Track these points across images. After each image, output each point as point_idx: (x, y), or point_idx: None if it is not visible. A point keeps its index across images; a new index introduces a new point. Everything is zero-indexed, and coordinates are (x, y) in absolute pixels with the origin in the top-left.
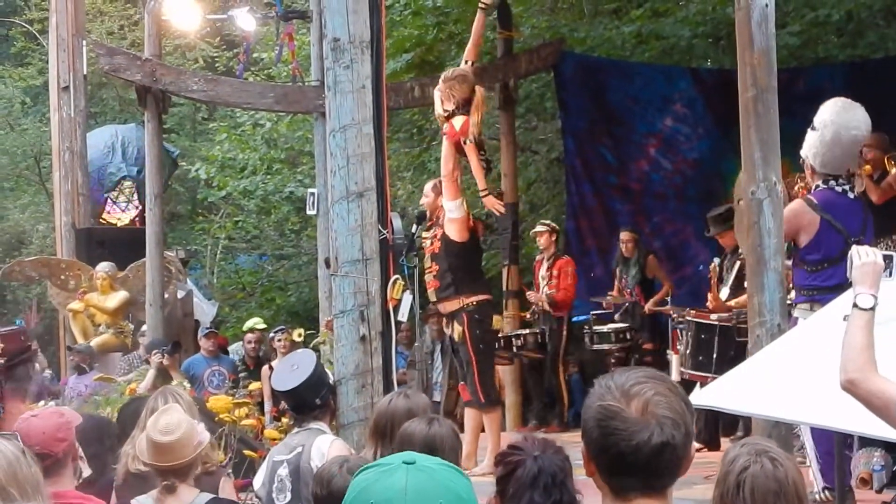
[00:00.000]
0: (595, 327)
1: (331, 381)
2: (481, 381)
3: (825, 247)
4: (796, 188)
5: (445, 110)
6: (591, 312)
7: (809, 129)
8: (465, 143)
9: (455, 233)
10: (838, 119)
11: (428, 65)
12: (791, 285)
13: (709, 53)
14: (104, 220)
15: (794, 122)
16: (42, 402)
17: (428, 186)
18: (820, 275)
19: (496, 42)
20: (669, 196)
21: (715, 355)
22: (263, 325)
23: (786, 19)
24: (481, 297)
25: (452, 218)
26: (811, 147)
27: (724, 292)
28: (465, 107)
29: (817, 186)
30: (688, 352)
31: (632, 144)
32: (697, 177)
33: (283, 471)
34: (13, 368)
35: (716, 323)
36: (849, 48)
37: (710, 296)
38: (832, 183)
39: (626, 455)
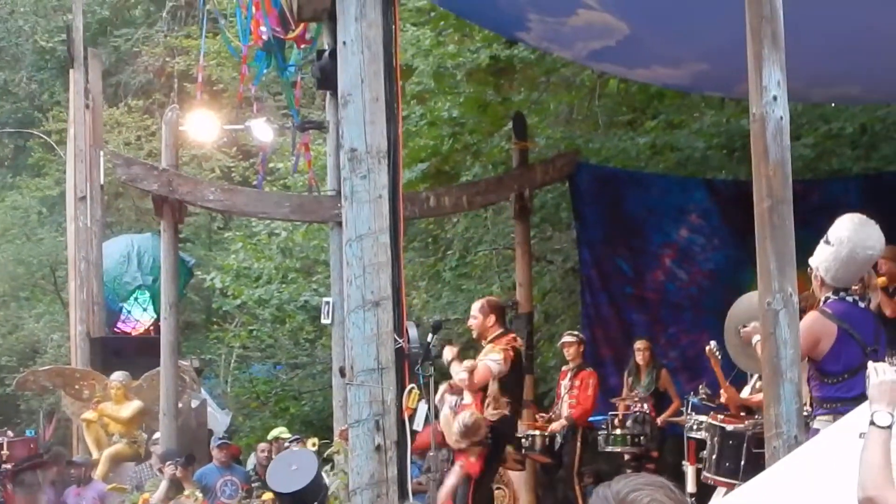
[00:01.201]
0: (611, 430)
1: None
2: (475, 495)
3: (845, 357)
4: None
5: None
6: (609, 413)
7: (823, 242)
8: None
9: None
10: (855, 237)
11: (443, 174)
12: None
13: (723, 165)
14: (119, 329)
15: (810, 232)
16: None
17: (476, 307)
18: (842, 386)
19: (511, 152)
20: (686, 307)
21: (743, 462)
22: (288, 435)
23: (799, 132)
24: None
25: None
26: (824, 261)
27: (746, 391)
28: None
29: (827, 298)
30: (713, 457)
31: (648, 255)
32: (713, 288)
33: None
34: (21, 473)
35: (745, 430)
36: (863, 160)
37: (721, 391)
38: (842, 294)
39: None
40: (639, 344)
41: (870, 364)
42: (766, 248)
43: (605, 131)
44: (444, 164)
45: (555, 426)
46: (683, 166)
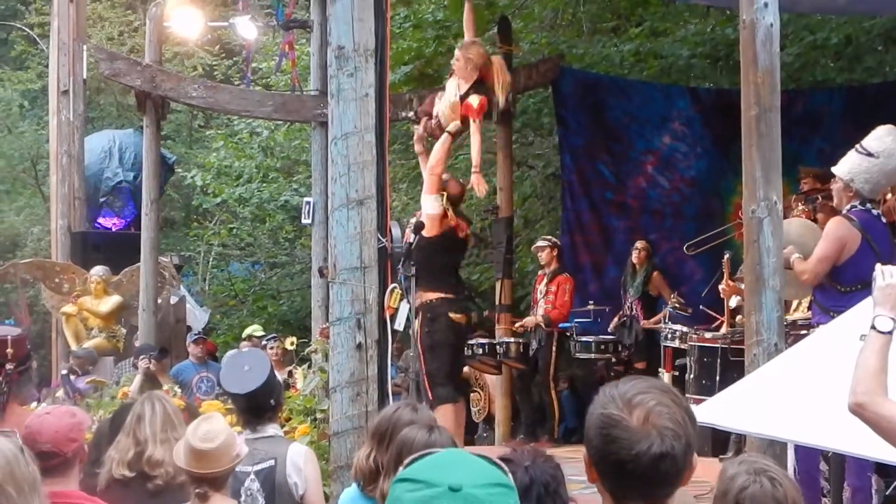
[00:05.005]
0: (578, 336)
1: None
2: (429, 379)
3: (862, 268)
4: (794, 213)
5: (458, 95)
6: (575, 321)
7: (859, 154)
8: (475, 122)
9: (427, 229)
10: None
11: (427, 78)
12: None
13: (707, 73)
14: (100, 224)
15: (793, 143)
16: (34, 405)
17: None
18: (853, 296)
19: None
20: (666, 214)
21: (718, 378)
22: (262, 333)
23: (784, 42)
24: (438, 294)
25: (428, 214)
26: (864, 172)
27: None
28: (478, 85)
29: (853, 207)
30: (691, 377)
31: (630, 161)
32: (695, 195)
33: (253, 484)
34: (22, 374)
35: (718, 345)
36: (846, 72)
37: (722, 285)
38: (869, 206)
39: (626, 463)
40: (638, 244)
41: (878, 266)
42: (752, 155)
43: (589, 38)
44: (427, 67)
45: (528, 321)
46: (667, 74)
